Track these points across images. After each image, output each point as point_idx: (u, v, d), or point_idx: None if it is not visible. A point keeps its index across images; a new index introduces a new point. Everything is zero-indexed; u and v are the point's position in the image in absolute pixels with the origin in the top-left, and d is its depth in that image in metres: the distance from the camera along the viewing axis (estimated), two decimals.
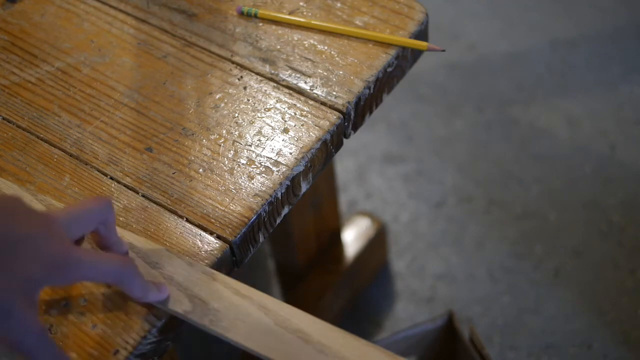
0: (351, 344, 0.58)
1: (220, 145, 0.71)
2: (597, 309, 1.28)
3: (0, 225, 0.53)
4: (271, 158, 0.70)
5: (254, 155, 0.70)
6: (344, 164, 1.49)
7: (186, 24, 0.80)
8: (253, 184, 0.68)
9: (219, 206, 0.67)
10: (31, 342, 0.54)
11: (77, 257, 0.55)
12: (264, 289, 1.27)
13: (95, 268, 0.56)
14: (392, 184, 1.46)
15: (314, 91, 0.74)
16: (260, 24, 0.79)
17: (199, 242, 0.65)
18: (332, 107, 0.73)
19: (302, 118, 0.72)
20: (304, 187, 0.71)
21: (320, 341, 0.59)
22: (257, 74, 0.76)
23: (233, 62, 0.77)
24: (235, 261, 0.67)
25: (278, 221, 0.70)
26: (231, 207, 0.67)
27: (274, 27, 0.79)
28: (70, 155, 0.72)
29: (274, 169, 0.69)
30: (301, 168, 0.70)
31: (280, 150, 0.70)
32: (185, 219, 0.67)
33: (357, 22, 0.79)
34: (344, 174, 1.47)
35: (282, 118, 0.72)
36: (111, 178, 0.70)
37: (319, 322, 0.60)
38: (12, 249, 0.53)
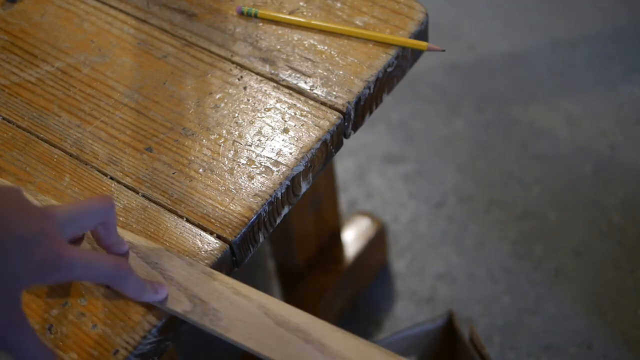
0: (351, 344, 0.58)
1: (220, 145, 0.71)
2: (597, 309, 1.28)
3: None
4: (271, 158, 0.70)
5: (254, 155, 0.70)
6: (344, 164, 1.49)
7: (186, 24, 0.80)
8: (253, 184, 0.68)
9: (219, 206, 0.67)
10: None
11: (69, 258, 0.55)
12: (264, 289, 1.27)
13: (87, 269, 0.56)
14: (392, 184, 1.46)
15: (314, 91, 0.74)
16: (260, 24, 0.79)
17: (199, 242, 0.65)
18: (332, 107, 0.73)
19: (302, 118, 0.72)
20: (304, 187, 0.71)
21: (320, 341, 0.59)
22: (257, 74, 0.76)
23: (233, 62, 0.77)
24: (235, 261, 0.67)
25: (278, 221, 0.70)
26: (231, 207, 0.67)
27: (274, 27, 0.79)
28: (70, 155, 0.72)
29: (274, 169, 0.69)
30: (301, 168, 0.70)
31: (280, 150, 0.70)
32: (185, 219, 0.67)
33: (357, 22, 0.78)
34: (344, 174, 1.47)
35: (282, 118, 0.72)
36: (111, 178, 0.70)
37: (319, 322, 0.60)
38: (1, 249, 0.52)
